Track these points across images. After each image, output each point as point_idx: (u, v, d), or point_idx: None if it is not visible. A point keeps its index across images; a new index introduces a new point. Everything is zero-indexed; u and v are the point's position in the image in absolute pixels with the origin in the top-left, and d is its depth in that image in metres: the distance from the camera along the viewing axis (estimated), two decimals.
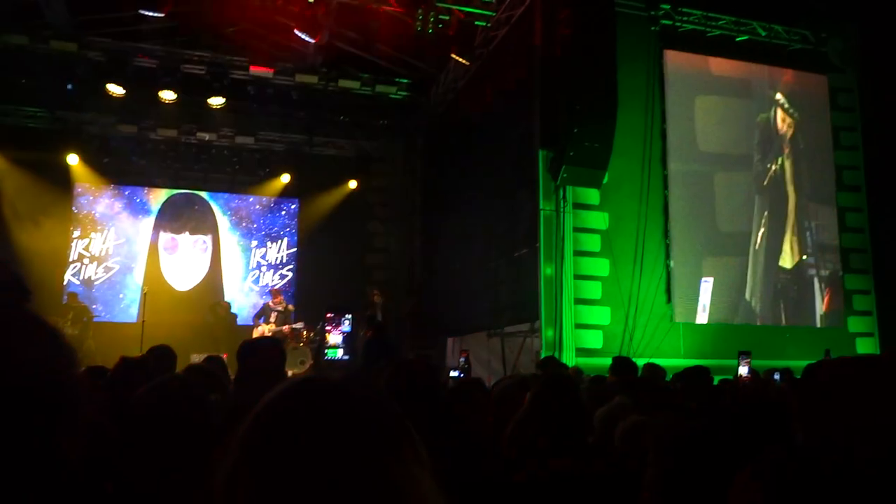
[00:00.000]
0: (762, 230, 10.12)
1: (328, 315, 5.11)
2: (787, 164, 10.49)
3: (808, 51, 10.76)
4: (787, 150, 10.50)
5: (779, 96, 10.56)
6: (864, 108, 10.87)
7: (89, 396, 0.86)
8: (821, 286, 10.38)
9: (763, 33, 10.47)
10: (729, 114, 10.34)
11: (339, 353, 4.92)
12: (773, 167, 10.34)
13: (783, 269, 10.23)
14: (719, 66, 10.38)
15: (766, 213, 10.20)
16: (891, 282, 10.26)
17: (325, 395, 0.78)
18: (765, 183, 10.26)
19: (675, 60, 10.04)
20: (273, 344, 2.78)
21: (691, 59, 10.22)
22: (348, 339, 4.98)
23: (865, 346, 10.30)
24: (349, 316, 5.04)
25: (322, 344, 5.02)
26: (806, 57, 10.77)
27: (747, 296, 9.92)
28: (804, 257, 10.36)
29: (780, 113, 10.54)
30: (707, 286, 9.64)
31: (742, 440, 1.50)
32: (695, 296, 9.61)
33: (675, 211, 9.68)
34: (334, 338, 4.93)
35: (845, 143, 10.90)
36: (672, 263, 9.50)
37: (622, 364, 5.28)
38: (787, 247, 10.26)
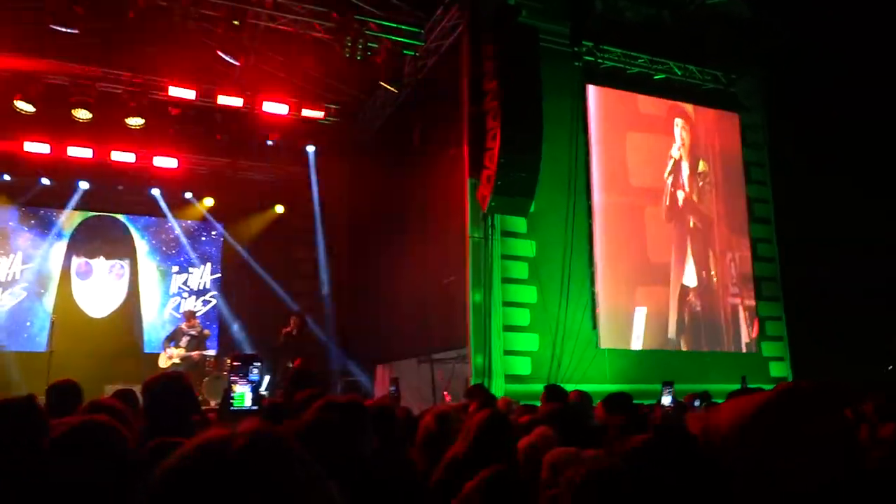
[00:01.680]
0: (673, 260, 10.48)
1: (234, 364, 4.84)
2: (695, 196, 10.93)
3: (720, 90, 11.35)
4: (687, 183, 10.90)
5: (683, 132, 11.01)
6: (771, 145, 11.53)
7: None
8: (746, 314, 10.84)
9: (679, 72, 10.98)
10: (655, 150, 10.72)
11: (248, 401, 4.69)
12: (679, 199, 10.74)
13: (696, 297, 10.58)
14: (646, 104, 10.78)
15: (677, 244, 10.56)
16: (799, 308, 10.86)
17: (225, 468, 0.74)
18: (672, 215, 10.65)
19: (602, 96, 10.36)
20: (175, 383, 2.61)
21: (621, 97, 10.56)
22: (256, 388, 4.74)
23: (778, 370, 10.81)
24: (258, 364, 4.79)
25: (229, 392, 4.76)
26: (718, 95, 11.36)
27: (671, 323, 10.23)
28: (713, 282, 10.73)
29: (683, 147, 10.98)
30: (641, 315, 9.90)
31: (661, 482, 1.49)
32: (625, 323, 9.83)
33: (603, 242, 9.91)
34: (241, 388, 4.69)
35: (755, 177, 11.51)
36: (598, 290, 9.70)
37: (554, 392, 5.31)
38: (700, 275, 10.64)
